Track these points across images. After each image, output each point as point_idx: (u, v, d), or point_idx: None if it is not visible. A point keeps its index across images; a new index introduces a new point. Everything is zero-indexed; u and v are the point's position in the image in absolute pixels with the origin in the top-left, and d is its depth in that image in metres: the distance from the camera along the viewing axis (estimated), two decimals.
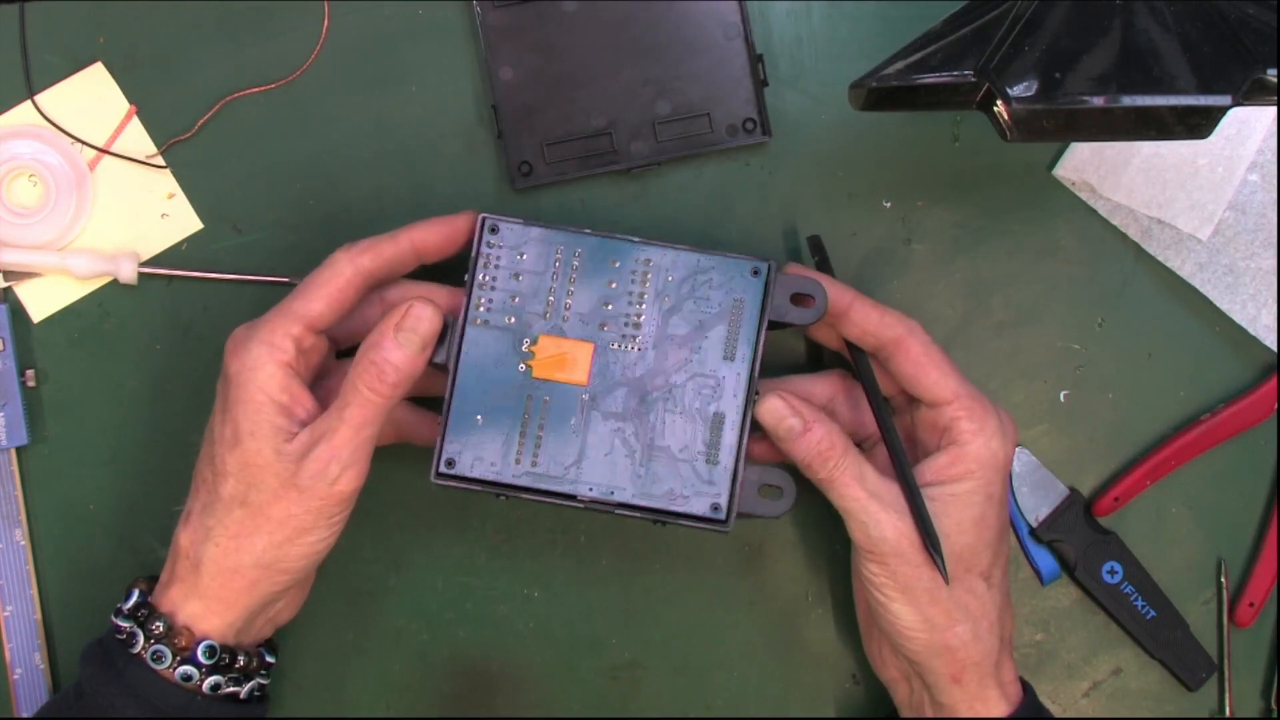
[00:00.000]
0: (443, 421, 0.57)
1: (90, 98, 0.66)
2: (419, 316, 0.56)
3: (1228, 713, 0.67)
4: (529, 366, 0.58)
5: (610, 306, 0.58)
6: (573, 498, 0.57)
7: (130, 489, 0.66)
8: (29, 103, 0.65)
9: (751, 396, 0.58)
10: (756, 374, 0.58)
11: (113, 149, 0.66)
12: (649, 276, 0.58)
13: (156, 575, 0.60)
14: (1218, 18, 0.53)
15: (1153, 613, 0.67)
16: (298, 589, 0.61)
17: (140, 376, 0.66)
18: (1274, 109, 0.67)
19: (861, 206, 0.68)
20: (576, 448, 0.57)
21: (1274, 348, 0.68)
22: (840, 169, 0.68)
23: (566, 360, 0.58)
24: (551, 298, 0.58)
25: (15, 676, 0.64)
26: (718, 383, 0.58)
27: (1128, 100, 0.52)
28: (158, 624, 0.57)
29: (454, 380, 0.57)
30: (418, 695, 0.66)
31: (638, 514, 0.58)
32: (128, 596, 0.58)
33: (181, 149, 0.66)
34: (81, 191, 0.65)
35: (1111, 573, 0.67)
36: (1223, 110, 0.53)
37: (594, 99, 0.66)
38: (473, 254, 0.58)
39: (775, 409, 0.58)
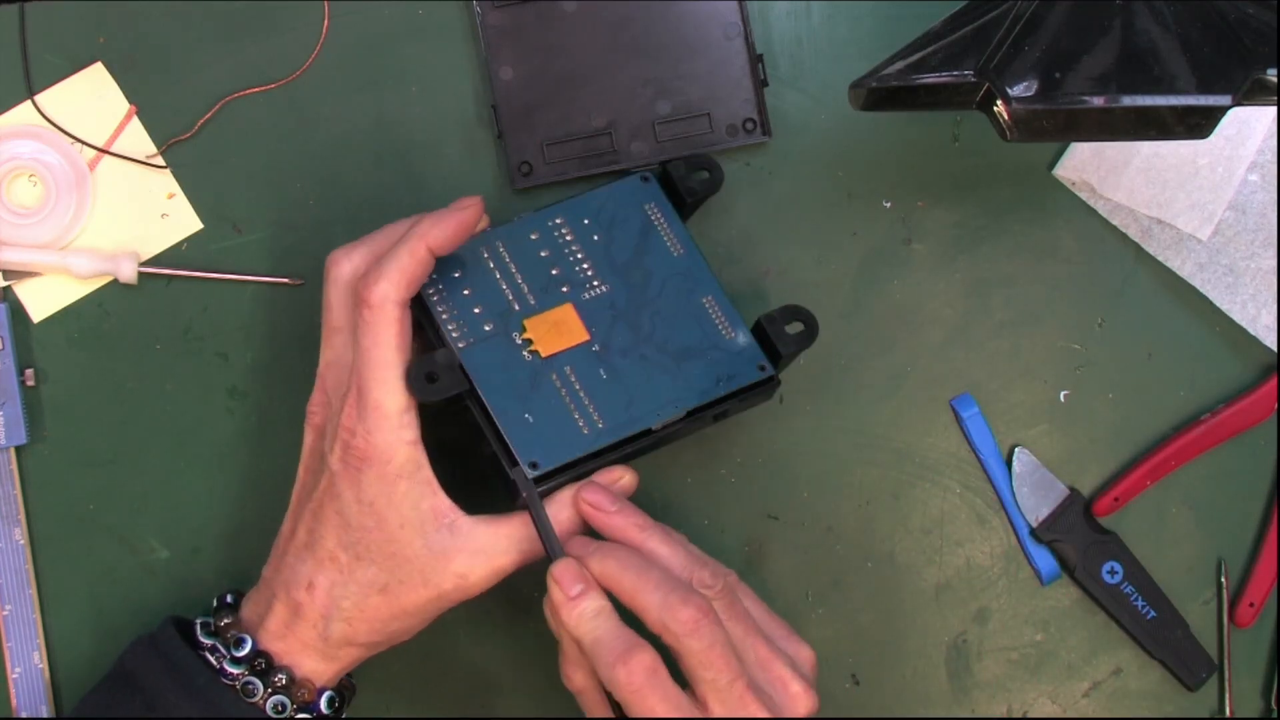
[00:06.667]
0: (498, 437, 0.57)
1: (90, 98, 0.66)
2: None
3: (1228, 713, 0.67)
4: (534, 351, 0.58)
5: (557, 270, 0.60)
6: (649, 432, 0.58)
7: (130, 489, 0.66)
8: (29, 103, 0.65)
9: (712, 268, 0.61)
10: (700, 251, 0.61)
11: (113, 149, 0.66)
12: (568, 231, 0.61)
13: (233, 605, 0.59)
14: (1218, 18, 0.54)
15: (1153, 613, 0.67)
16: None
17: (140, 376, 0.66)
18: (1274, 109, 0.67)
19: (861, 206, 0.68)
20: (622, 391, 0.58)
21: (1274, 348, 0.68)
22: (840, 169, 0.68)
23: (560, 327, 0.59)
24: (506, 288, 0.59)
25: (14, 676, 0.64)
26: (685, 272, 0.61)
27: (1128, 100, 0.52)
28: (280, 676, 0.56)
29: (483, 400, 0.57)
30: (418, 695, 0.66)
31: (707, 413, 0.59)
32: (240, 644, 0.56)
33: (181, 149, 0.66)
34: (81, 191, 0.65)
35: (1111, 573, 0.67)
36: (1223, 110, 0.53)
37: (594, 99, 0.66)
38: (425, 301, 0.58)
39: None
